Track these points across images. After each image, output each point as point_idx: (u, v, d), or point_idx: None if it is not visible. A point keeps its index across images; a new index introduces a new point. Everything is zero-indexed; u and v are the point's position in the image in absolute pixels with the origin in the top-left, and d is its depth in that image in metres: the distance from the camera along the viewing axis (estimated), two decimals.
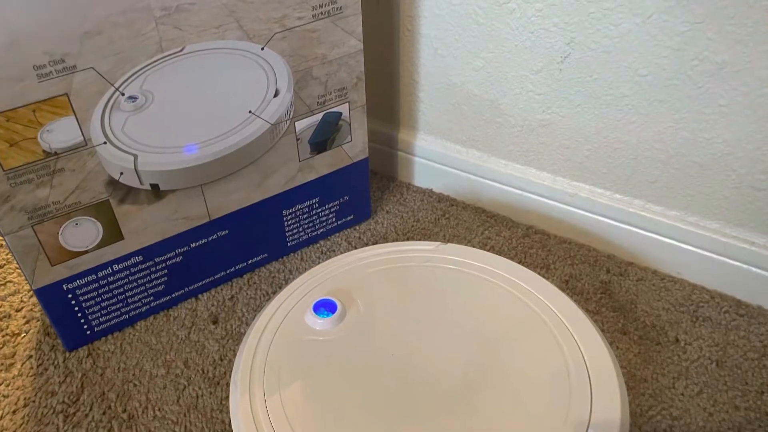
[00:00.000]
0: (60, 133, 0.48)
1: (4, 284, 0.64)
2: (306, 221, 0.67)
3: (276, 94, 0.56)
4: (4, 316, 0.61)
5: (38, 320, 0.61)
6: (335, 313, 0.51)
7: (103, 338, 0.59)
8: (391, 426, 0.44)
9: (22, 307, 0.62)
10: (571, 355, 0.48)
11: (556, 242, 0.68)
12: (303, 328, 0.52)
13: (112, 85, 0.48)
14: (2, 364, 0.57)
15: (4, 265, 0.67)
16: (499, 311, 0.52)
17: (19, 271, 0.66)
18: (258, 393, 0.47)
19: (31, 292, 0.63)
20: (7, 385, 0.55)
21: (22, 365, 0.57)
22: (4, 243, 0.70)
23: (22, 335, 0.59)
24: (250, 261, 0.65)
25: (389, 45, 0.71)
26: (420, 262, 0.57)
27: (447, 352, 0.49)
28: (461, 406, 0.45)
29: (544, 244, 0.68)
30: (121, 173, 0.52)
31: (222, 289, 0.63)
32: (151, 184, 0.54)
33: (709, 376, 0.54)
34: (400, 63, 0.71)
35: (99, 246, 0.54)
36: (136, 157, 0.52)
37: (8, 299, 0.63)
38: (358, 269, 0.57)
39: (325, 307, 0.52)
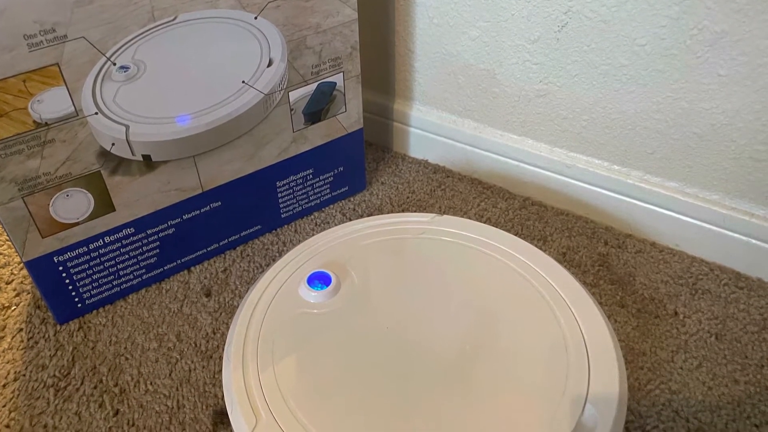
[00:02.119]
0: (50, 104, 0.50)
1: None
2: (300, 193, 0.69)
3: (269, 64, 0.58)
4: None
5: (29, 293, 0.63)
6: (329, 286, 0.53)
7: (95, 311, 0.61)
8: (385, 399, 0.46)
9: (12, 280, 0.64)
10: (569, 329, 0.50)
11: (553, 214, 0.71)
12: (297, 301, 0.53)
13: (104, 54, 0.50)
14: None
15: None
16: (495, 284, 0.54)
17: (9, 243, 0.68)
18: (251, 367, 0.49)
19: (22, 265, 0.65)
20: None
21: (12, 339, 0.59)
22: None
23: (13, 308, 0.62)
24: (244, 233, 0.67)
25: (384, 14, 0.72)
26: (415, 234, 0.59)
27: (443, 325, 0.51)
28: (457, 380, 0.47)
29: (541, 216, 0.70)
30: (113, 144, 0.54)
31: (215, 262, 0.66)
32: (143, 155, 0.56)
33: (708, 349, 0.57)
34: (395, 33, 0.73)
35: (90, 218, 0.56)
36: (127, 127, 0.54)
37: None
38: (353, 241, 0.58)
39: (319, 279, 0.54)
